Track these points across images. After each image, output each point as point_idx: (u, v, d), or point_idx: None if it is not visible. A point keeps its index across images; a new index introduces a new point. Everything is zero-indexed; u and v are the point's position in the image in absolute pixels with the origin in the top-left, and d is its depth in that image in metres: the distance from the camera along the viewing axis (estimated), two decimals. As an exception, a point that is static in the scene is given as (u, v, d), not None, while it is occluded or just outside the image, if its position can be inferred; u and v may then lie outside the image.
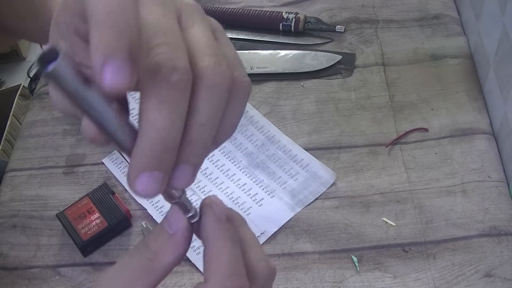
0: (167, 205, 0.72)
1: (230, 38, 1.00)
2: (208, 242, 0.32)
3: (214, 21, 0.32)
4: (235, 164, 0.75)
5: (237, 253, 0.32)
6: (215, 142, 0.30)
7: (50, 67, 0.24)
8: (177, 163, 0.28)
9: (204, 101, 0.28)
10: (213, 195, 0.34)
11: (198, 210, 0.33)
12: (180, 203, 0.32)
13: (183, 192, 0.32)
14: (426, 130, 0.76)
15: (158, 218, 0.70)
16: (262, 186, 0.73)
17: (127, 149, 0.28)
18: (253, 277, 0.33)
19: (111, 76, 0.24)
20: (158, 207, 0.71)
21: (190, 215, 0.33)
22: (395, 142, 0.75)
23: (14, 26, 0.55)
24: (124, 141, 0.27)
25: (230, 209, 0.34)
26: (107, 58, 0.23)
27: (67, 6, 0.28)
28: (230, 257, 0.32)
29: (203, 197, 0.71)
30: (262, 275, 0.33)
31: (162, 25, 0.27)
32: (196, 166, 0.29)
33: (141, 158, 0.27)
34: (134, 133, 0.27)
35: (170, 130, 0.27)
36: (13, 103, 1.46)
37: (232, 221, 0.34)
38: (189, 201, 0.32)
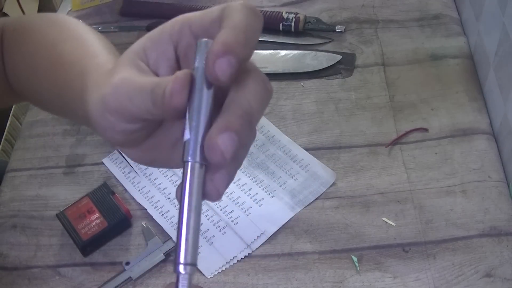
0: (167, 205, 0.72)
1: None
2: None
3: None
4: (235, 164, 0.75)
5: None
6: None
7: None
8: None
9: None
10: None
11: None
12: None
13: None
14: (426, 130, 0.76)
15: (158, 218, 0.70)
16: (262, 186, 0.73)
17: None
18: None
19: (222, 66, 0.30)
20: (158, 207, 0.71)
21: None
22: (395, 142, 0.75)
23: (30, 95, 0.55)
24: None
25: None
26: (226, 52, 0.30)
27: (180, 19, 0.36)
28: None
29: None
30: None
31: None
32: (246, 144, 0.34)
33: (232, 119, 0.31)
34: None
35: (257, 113, 0.32)
36: (13, 103, 1.46)
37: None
38: None
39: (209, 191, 0.32)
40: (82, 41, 0.48)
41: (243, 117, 0.31)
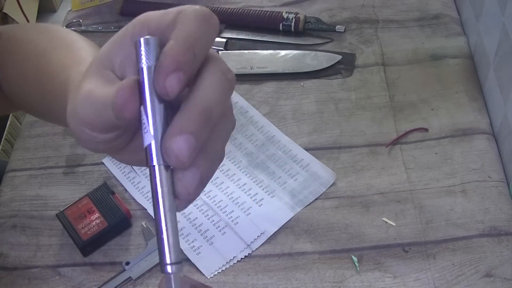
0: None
1: (230, 38, 1.00)
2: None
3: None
4: (235, 164, 0.75)
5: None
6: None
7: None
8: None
9: (223, 126, 0.34)
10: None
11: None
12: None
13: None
14: (426, 130, 0.76)
15: (158, 218, 0.70)
16: (262, 186, 0.73)
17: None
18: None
19: (172, 82, 0.30)
20: (158, 207, 0.71)
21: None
22: (395, 142, 0.75)
23: (23, 104, 0.56)
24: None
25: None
26: (176, 69, 0.30)
27: (140, 19, 0.34)
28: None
29: (204, 197, 0.72)
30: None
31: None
32: (203, 173, 0.32)
33: (186, 121, 0.31)
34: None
35: (216, 109, 0.32)
36: (13, 103, 1.46)
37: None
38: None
39: (179, 191, 0.31)
40: (70, 49, 0.48)
41: (200, 115, 0.31)
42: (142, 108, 0.31)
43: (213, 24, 0.32)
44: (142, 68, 0.31)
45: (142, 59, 0.31)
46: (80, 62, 0.44)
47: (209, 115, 0.31)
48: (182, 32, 0.31)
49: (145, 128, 0.31)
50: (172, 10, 0.33)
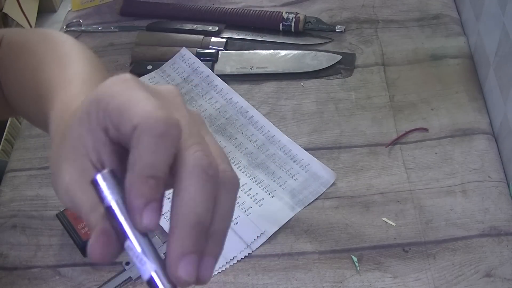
0: (167, 205, 0.72)
1: (230, 38, 1.00)
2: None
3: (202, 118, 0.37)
4: (235, 164, 0.75)
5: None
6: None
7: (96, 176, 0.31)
8: (203, 255, 0.32)
9: (223, 197, 0.32)
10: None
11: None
12: None
13: None
14: (426, 130, 0.76)
15: (158, 218, 0.70)
16: (262, 186, 0.73)
17: (144, 255, 0.31)
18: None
19: (149, 218, 0.30)
20: (158, 207, 0.71)
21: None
22: (395, 142, 0.75)
23: (22, 112, 0.56)
24: (147, 251, 0.31)
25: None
26: (146, 204, 0.30)
27: (102, 106, 0.32)
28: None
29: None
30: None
31: (192, 129, 0.33)
32: (217, 258, 0.32)
33: (183, 241, 0.30)
34: (152, 245, 0.31)
35: (206, 215, 0.31)
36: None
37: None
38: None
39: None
40: (63, 65, 0.48)
41: (194, 229, 0.30)
42: (127, 243, 0.31)
43: (173, 136, 0.31)
44: (110, 206, 0.31)
45: (106, 196, 0.31)
46: (65, 85, 0.44)
47: (202, 223, 0.31)
48: (139, 159, 0.30)
49: (140, 260, 0.31)
50: (131, 115, 0.31)
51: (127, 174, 0.30)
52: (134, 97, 0.31)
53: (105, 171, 0.31)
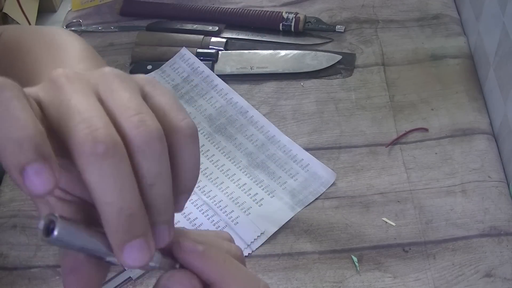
0: (167, 205, 0.72)
1: (230, 38, 1.00)
2: (213, 282, 0.32)
3: (141, 77, 0.32)
4: (235, 164, 0.75)
5: (244, 270, 0.33)
6: (182, 190, 0.31)
7: (53, 236, 0.29)
8: (153, 226, 0.29)
9: (141, 162, 0.28)
10: (178, 228, 0.34)
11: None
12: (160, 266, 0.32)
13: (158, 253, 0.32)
14: (426, 130, 0.76)
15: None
16: (262, 186, 0.73)
17: None
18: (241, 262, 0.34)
19: (33, 182, 0.26)
20: (158, 207, 0.71)
21: (175, 265, 0.33)
22: (395, 142, 0.75)
23: None
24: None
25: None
26: (22, 168, 0.25)
27: None
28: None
29: (204, 197, 0.72)
30: (241, 254, 0.35)
31: (77, 105, 0.28)
32: (169, 222, 0.30)
33: (115, 234, 0.27)
34: None
35: (123, 199, 0.27)
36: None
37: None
38: (165, 259, 0.33)
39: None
40: (58, 62, 0.47)
41: (118, 220, 0.27)
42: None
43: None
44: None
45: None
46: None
47: (124, 208, 0.27)
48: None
49: None
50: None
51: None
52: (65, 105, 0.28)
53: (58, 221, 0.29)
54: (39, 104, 0.29)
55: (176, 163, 0.30)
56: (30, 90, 0.30)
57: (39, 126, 0.26)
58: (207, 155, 0.76)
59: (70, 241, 0.28)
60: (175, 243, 0.32)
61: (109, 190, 0.27)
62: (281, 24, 0.89)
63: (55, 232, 0.28)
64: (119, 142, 0.27)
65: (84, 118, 0.27)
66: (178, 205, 0.32)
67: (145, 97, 0.31)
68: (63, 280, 0.29)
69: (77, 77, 0.30)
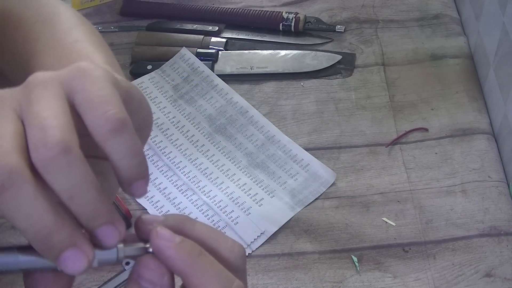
0: (166, 205, 0.72)
1: (230, 38, 0.99)
2: (184, 275, 0.32)
3: (75, 71, 0.31)
4: (235, 164, 0.75)
5: (219, 267, 0.33)
6: (130, 180, 0.31)
7: None
8: (91, 231, 0.30)
9: (50, 181, 0.28)
10: (142, 215, 0.34)
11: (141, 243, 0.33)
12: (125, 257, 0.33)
13: (117, 247, 0.33)
14: (426, 130, 0.76)
15: (158, 218, 0.70)
16: (262, 186, 0.73)
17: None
18: (233, 268, 0.34)
19: (68, 267, 0.29)
20: (158, 207, 0.71)
21: (147, 250, 0.33)
22: (395, 142, 0.75)
23: (9, 76, 0.55)
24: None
25: (168, 217, 0.34)
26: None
27: None
28: (217, 278, 0.32)
29: (204, 197, 0.72)
30: (239, 258, 0.34)
31: None
32: (111, 221, 0.30)
33: (44, 253, 0.29)
34: None
35: (35, 223, 0.28)
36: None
37: (182, 228, 0.33)
38: (132, 247, 0.33)
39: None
40: (56, 40, 0.46)
41: (41, 236, 0.28)
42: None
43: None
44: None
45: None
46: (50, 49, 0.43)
47: (43, 229, 0.28)
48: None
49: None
50: None
51: None
52: None
53: None
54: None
55: (110, 159, 0.31)
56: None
57: (57, 212, 0.28)
58: (207, 155, 0.76)
59: (6, 267, 0.30)
60: (153, 230, 0.32)
61: (17, 220, 0.28)
62: (281, 24, 0.89)
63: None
64: (14, 170, 0.27)
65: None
66: (137, 192, 0.32)
67: (71, 95, 0.30)
68: None
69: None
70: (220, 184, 0.73)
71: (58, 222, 0.28)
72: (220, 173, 0.74)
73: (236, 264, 0.34)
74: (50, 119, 0.28)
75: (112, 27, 0.94)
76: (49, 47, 0.43)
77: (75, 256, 0.29)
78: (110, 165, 0.31)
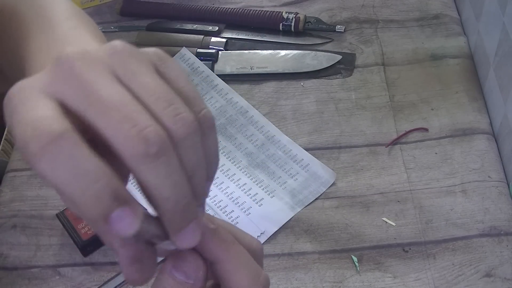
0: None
1: (230, 38, 1.00)
2: (218, 261, 0.33)
3: (153, 52, 0.31)
4: (235, 164, 0.75)
5: (249, 257, 0.33)
6: (209, 178, 0.33)
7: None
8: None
9: (182, 155, 0.28)
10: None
11: None
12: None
13: None
14: (426, 130, 0.76)
15: (158, 218, 0.70)
16: (262, 186, 0.73)
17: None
18: (256, 255, 0.34)
19: (120, 227, 0.26)
20: (158, 207, 0.71)
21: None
22: (395, 142, 0.75)
23: (8, 73, 0.54)
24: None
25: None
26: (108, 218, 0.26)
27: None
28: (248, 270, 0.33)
29: (203, 197, 0.72)
30: (259, 252, 0.35)
31: (109, 98, 0.27)
32: (203, 204, 0.33)
33: (173, 224, 0.29)
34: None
35: (178, 193, 0.28)
36: (13, 103, 1.45)
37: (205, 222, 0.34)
38: None
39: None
40: (48, 27, 0.45)
41: (175, 212, 0.29)
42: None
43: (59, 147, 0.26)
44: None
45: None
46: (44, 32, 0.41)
47: (179, 201, 0.29)
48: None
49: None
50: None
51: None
52: (25, 120, 0.27)
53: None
54: (62, 102, 0.28)
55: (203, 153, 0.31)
56: (46, 85, 0.28)
57: (108, 170, 0.27)
58: (207, 155, 0.76)
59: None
60: None
61: (165, 187, 0.28)
62: (281, 24, 0.89)
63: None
64: (167, 139, 0.27)
65: (125, 116, 0.27)
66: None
67: (161, 77, 0.30)
68: (124, 271, 0.29)
69: (91, 59, 0.28)
70: (220, 184, 0.73)
71: (192, 194, 0.29)
72: (220, 173, 0.74)
73: (257, 258, 0.35)
74: (174, 96, 0.29)
75: (112, 27, 0.95)
76: (45, 47, 0.43)
77: (195, 229, 0.29)
78: None
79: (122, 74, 0.28)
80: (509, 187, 0.70)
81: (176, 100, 0.29)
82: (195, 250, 0.32)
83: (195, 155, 0.29)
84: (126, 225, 0.26)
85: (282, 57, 0.86)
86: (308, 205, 0.70)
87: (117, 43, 0.30)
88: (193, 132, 0.28)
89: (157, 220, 0.30)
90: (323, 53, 0.86)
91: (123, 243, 0.29)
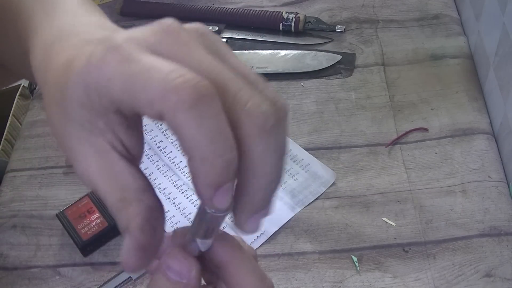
0: (167, 205, 0.72)
1: (230, 38, 1.00)
2: (223, 264, 0.33)
3: (214, 37, 0.31)
4: (235, 164, 0.75)
5: (254, 262, 0.34)
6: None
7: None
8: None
9: (275, 139, 0.28)
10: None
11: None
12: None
13: None
14: (426, 130, 0.76)
15: (158, 218, 0.70)
16: (262, 186, 0.72)
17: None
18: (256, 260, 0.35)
19: (221, 201, 0.27)
20: (158, 207, 0.71)
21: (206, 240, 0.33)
22: (395, 142, 0.75)
23: (11, 66, 0.53)
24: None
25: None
26: (217, 189, 0.26)
27: (104, 94, 0.27)
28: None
29: (203, 197, 0.72)
30: (255, 255, 0.36)
31: (223, 72, 0.27)
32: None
33: (253, 206, 0.29)
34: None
35: (276, 174, 0.28)
36: (13, 103, 1.46)
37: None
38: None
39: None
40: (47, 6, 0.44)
41: (265, 194, 0.29)
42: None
43: (210, 97, 0.26)
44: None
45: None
46: (47, 16, 0.41)
47: (273, 183, 0.29)
48: (193, 143, 0.26)
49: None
50: (147, 96, 0.26)
51: (189, 162, 0.27)
52: (139, 71, 0.26)
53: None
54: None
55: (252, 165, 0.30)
56: (145, 38, 0.28)
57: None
58: (207, 155, 0.75)
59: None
60: None
61: (271, 170, 0.28)
62: (281, 24, 0.89)
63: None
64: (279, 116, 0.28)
65: (247, 92, 0.27)
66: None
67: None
68: (125, 254, 0.29)
69: (189, 32, 0.28)
70: (220, 184, 0.73)
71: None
72: (220, 173, 0.74)
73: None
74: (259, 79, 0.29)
75: (112, 27, 0.94)
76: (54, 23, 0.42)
77: (230, 191, 0.28)
78: None
79: (214, 51, 0.29)
80: (509, 187, 0.70)
81: (260, 79, 0.29)
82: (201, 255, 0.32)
83: (283, 140, 0.29)
84: (227, 199, 0.27)
85: (282, 57, 0.86)
86: (308, 205, 0.70)
87: (194, 26, 0.30)
88: (285, 115, 0.29)
89: (198, 218, 0.30)
90: (323, 53, 0.86)
91: (141, 227, 0.29)
